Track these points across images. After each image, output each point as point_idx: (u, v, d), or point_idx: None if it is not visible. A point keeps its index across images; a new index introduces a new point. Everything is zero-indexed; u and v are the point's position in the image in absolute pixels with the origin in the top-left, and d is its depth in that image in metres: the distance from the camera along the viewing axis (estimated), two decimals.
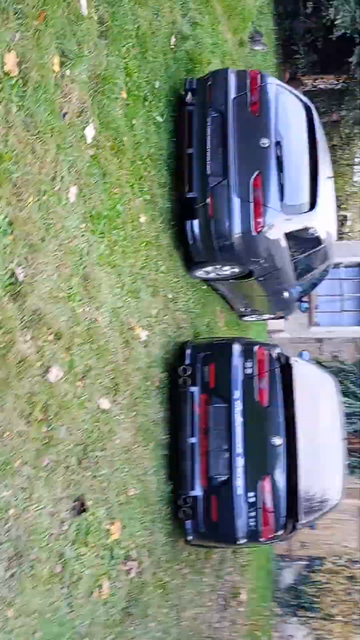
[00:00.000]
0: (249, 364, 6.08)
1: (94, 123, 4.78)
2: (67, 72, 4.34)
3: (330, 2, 13.59)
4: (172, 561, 6.11)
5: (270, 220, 6.41)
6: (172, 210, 6.57)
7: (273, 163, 6.41)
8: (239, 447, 5.89)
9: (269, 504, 5.79)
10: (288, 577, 12.56)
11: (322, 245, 7.35)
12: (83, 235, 4.60)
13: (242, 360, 6.11)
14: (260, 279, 7.34)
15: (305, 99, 7.13)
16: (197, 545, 6.45)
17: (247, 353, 6.16)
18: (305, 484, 5.91)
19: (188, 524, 5.96)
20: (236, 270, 7.13)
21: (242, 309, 9.18)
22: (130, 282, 5.51)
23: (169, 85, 6.65)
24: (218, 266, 7.05)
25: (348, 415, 12.61)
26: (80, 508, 4.29)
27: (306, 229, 6.90)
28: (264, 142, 6.39)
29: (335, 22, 13.64)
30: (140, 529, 5.39)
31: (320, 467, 6.66)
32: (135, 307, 5.60)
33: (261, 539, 5.85)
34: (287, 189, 6.50)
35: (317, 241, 7.22)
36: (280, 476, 5.84)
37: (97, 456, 4.62)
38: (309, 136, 6.93)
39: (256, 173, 6.35)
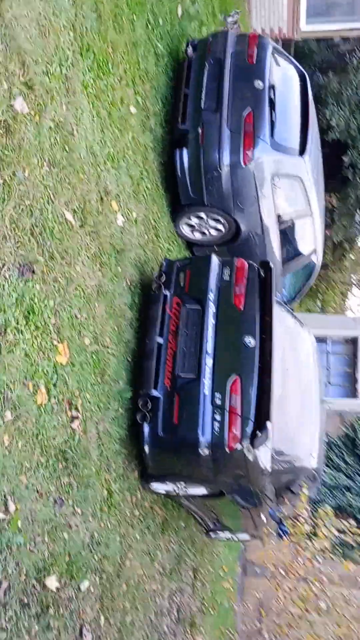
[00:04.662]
0: (226, 271, 5.78)
1: None
2: None
3: (326, 106, 14.71)
4: (122, 479, 5.32)
5: (258, 154, 6.44)
6: (162, 140, 6.60)
7: (266, 103, 6.57)
8: (209, 347, 5.40)
9: (237, 405, 5.19)
10: None
11: (311, 214, 7.28)
12: (71, 42, 4.57)
13: (220, 267, 5.81)
14: (246, 244, 7.20)
15: (299, 66, 7.49)
16: (153, 478, 5.64)
17: (226, 263, 5.88)
18: (277, 401, 5.31)
19: (146, 428, 5.28)
20: (222, 227, 7.03)
21: None
22: (114, 150, 5.36)
23: (170, 37, 7.01)
24: (203, 216, 6.95)
25: (331, 488, 11.75)
26: (27, 271, 3.83)
27: (294, 179, 6.87)
28: (259, 83, 6.61)
29: (331, 124, 14.66)
30: (91, 395, 4.74)
31: (293, 409, 6.07)
32: (115, 180, 5.39)
33: (226, 449, 5.14)
34: (277, 128, 6.61)
35: (304, 204, 7.15)
36: (251, 379, 5.28)
37: (53, 251, 4.19)
38: (301, 94, 7.19)
39: (249, 109, 6.50)
